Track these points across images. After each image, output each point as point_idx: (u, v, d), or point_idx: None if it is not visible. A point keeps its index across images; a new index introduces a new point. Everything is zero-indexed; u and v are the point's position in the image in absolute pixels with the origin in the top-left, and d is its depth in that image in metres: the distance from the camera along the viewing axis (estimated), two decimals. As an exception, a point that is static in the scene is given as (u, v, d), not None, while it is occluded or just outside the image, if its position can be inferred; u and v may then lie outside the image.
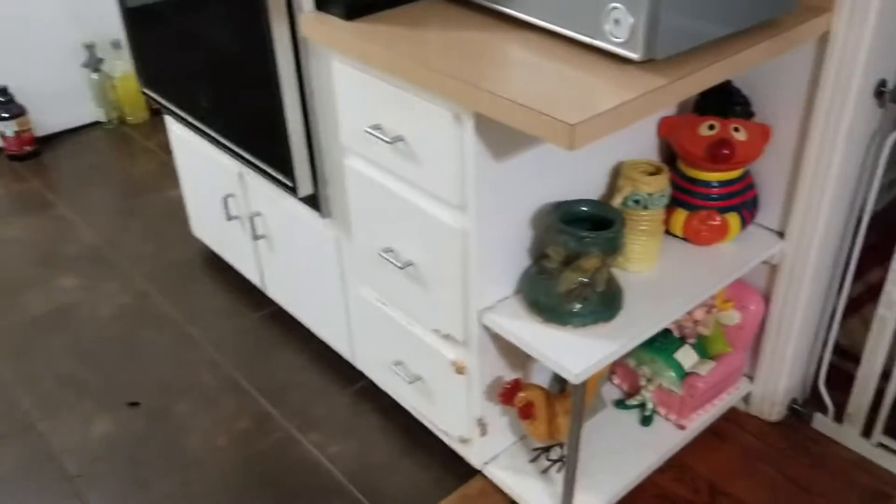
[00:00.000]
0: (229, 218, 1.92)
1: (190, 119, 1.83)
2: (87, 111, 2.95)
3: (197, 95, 1.76)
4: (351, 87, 1.37)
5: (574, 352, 1.27)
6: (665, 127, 1.48)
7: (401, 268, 1.42)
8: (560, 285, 1.29)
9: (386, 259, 1.44)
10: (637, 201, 1.38)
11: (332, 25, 1.33)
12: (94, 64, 2.86)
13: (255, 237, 1.87)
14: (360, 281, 1.61)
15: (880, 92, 1.39)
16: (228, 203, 1.90)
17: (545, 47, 1.22)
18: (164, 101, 1.91)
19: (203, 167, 1.98)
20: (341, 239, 1.61)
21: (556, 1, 1.19)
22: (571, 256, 1.27)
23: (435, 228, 1.33)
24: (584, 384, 1.27)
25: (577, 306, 1.29)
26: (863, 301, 1.94)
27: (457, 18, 1.33)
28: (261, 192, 1.79)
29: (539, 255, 1.37)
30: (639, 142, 1.49)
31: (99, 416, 1.77)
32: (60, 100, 2.88)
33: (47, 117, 2.86)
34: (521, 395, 1.39)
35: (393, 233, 1.43)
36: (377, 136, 1.33)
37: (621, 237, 1.29)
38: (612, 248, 1.28)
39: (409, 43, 1.25)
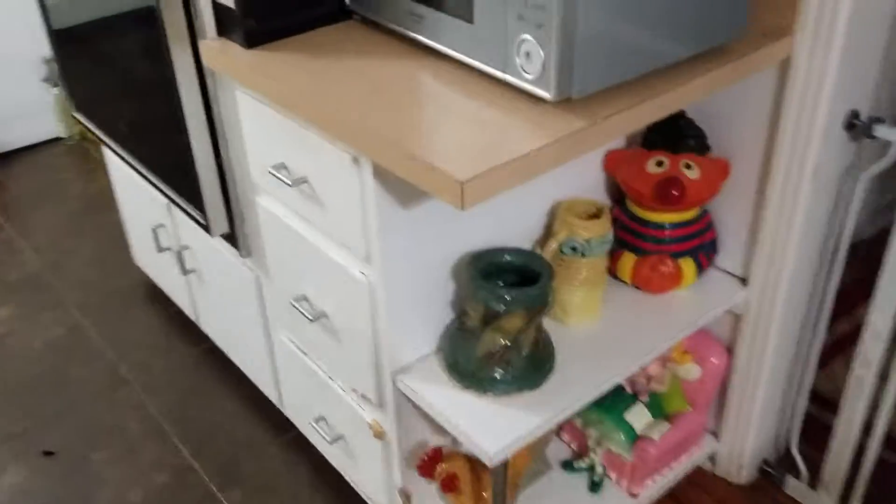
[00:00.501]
0: (160, 249, 1.78)
1: (115, 148, 1.70)
2: (48, 127, 2.83)
3: (119, 124, 1.63)
4: (255, 122, 1.23)
5: (492, 427, 1.11)
6: (610, 161, 1.32)
7: (311, 320, 1.28)
8: (479, 347, 1.14)
9: (297, 308, 1.30)
10: (574, 248, 1.23)
11: (233, 54, 1.19)
12: (54, 79, 2.74)
13: (185, 271, 1.74)
14: (281, 326, 1.47)
15: (852, 124, 1.23)
16: (159, 234, 1.77)
17: (459, 81, 1.06)
18: (92, 127, 1.78)
19: (136, 194, 1.85)
20: (262, 279, 1.47)
21: (467, 30, 1.04)
22: (491, 315, 1.12)
23: (343, 279, 1.18)
24: (503, 466, 1.12)
25: (499, 372, 1.14)
26: (847, 342, 1.77)
27: (368, 46, 1.18)
28: (188, 224, 1.65)
29: (461, 310, 1.22)
30: (582, 177, 1.33)
31: (10, 465, 1.64)
32: (20, 116, 2.77)
33: (7, 134, 2.75)
34: (443, 465, 1.24)
35: (306, 280, 1.29)
36: (279, 178, 1.19)
37: (549, 293, 1.13)
38: (539, 307, 1.12)
39: (308, 73, 1.10)
